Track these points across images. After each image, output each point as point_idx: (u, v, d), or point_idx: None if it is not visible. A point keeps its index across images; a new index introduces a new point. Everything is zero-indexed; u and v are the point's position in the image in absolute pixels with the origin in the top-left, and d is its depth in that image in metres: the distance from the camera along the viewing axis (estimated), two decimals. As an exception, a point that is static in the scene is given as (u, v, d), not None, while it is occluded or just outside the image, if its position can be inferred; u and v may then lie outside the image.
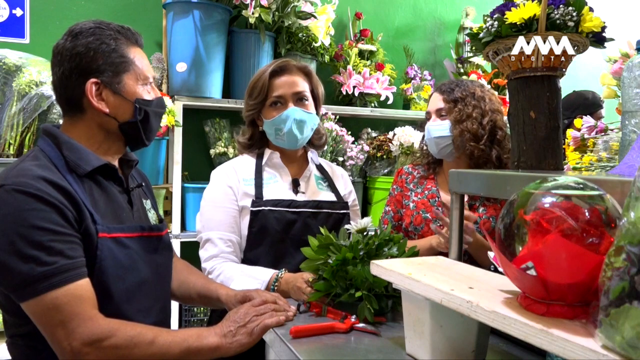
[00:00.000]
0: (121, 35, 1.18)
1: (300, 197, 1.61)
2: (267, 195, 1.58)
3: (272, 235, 1.54)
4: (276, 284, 1.43)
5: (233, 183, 1.59)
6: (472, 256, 1.64)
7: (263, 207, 1.54)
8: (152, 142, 1.26)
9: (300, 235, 1.53)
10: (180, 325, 2.48)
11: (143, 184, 1.32)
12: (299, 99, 1.61)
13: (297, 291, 1.37)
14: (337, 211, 1.63)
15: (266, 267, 1.50)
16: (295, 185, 1.64)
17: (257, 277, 1.45)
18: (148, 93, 1.21)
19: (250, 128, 1.68)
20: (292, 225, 1.56)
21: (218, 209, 1.57)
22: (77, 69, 1.13)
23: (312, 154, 1.71)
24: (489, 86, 1.83)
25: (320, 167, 1.73)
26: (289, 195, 1.61)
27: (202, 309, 2.54)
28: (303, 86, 1.62)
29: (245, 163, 1.66)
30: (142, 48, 1.23)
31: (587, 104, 2.78)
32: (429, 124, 1.77)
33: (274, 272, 1.46)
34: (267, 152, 1.65)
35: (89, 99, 1.13)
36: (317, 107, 1.69)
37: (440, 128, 1.73)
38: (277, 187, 1.61)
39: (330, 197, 1.66)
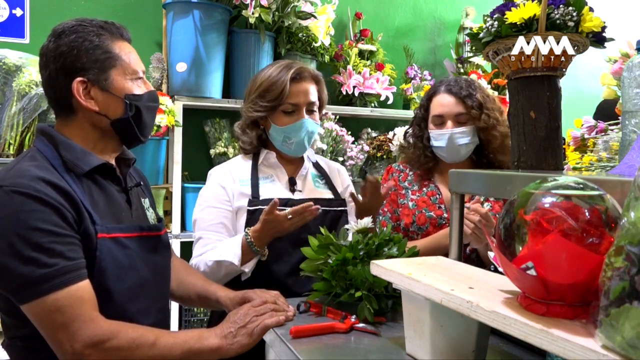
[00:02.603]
0: (104, 31, 1.15)
1: (297, 196, 1.61)
2: (264, 194, 1.58)
3: None
4: (250, 239, 1.45)
5: (227, 184, 1.59)
6: (479, 255, 1.63)
7: (260, 207, 1.54)
8: (148, 137, 1.24)
9: (298, 234, 1.53)
10: (180, 326, 2.47)
11: (141, 182, 1.32)
12: (310, 109, 1.61)
13: (277, 226, 1.41)
14: (335, 208, 1.62)
15: (266, 265, 1.52)
16: (292, 184, 1.64)
17: (231, 243, 1.48)
18: (138, 87, 1.18)
19: (254, 129, 1.64)
20: None
21: (210, 209, 1.58)
22: (62, 69, 1.11)
23: (308, 152, 1.71)
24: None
25: (317, 165, 1.73)
26: (286, 194, 1.61)
27: (202, 309, 2.54)
28: (314, 96, 1.61)
29: (241, 164, 1.66)
30: (129, 42, 1.20)
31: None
32: (450, 130, 1.67)
33: (242, 235, 1.47)
34: (263, 152, 1.65)
35: (77, 98, 1.11)
36: (320, 113, 1.69)
37: (463, 135, 1.67)
38: (274, 186, 1.61)
39: (328, 194, 1.66)
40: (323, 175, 1.72)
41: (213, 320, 1.67)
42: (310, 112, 1.61)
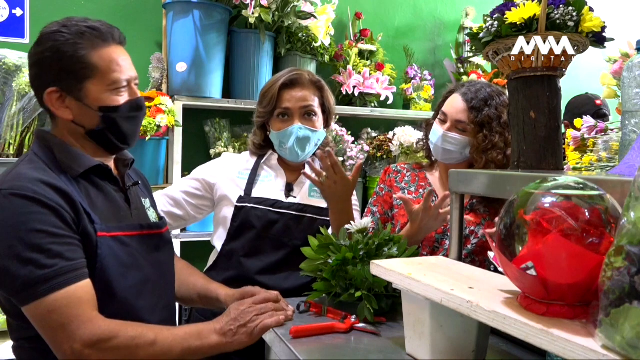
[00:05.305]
0: (84, 39, 1.10)
1: (289, 200, 1.61)
2: (256, 192, 1.59)
3: (251, 232, 1.55)
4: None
5: (215, 177, 1.63)
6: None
7: (247, 204, 1.56)
8: (133, 144, 1.22)
9: (280, 236, 1.54)
10: (180, 322, 2.47)
11: (140, 182, 1.32)
12: (306, 113, 1.59)
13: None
14: (324, 217, 1.59)
15: (242, 261, 1.54)
16: (288, 190, 1.64)
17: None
18: (118, 97, 1.13)
19: (262, 131, 1.68)
20: (273, 224, 1.55)
21: (184, 182, 1.68)
22: (38, 78, 1.12)
23: (315, 164, 1.68)
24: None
25: None
26: (277, 196, 1.60)
27: (201, 308, 2.53)
28: (312, 100, 1.60)
29: (247, 159, 1.70)
30: (122, 44, 1.16)
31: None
32: (443, 131, 1.61)
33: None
34: (268, 153, 1.67)
35: (49, 107, 1.12)
36: (327, 120, 1.68)
37: (454, 142, 1.59)
38: (270, 186, 1.62)
39: (322, 203, 1.63)
40: None
41: (192, 316, 1.69)
42: (306, 117, 1.59)
